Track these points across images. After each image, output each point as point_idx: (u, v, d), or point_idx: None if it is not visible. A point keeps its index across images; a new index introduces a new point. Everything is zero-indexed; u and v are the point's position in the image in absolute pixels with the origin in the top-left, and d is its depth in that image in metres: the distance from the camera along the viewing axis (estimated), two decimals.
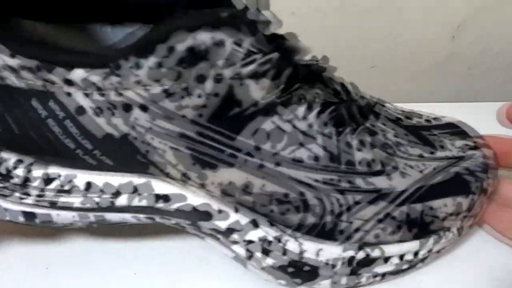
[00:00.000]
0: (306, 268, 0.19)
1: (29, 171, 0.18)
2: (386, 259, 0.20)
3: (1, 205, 0.19)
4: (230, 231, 0.19)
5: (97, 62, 0.15)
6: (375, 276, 0.20)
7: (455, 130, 0.23)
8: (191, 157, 0.18)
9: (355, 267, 0.19)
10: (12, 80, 0.16)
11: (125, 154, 0.17)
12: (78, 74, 0.15)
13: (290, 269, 0.19)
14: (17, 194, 0.19)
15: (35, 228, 0.23)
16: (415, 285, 0.21)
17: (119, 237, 0.23)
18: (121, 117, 0.17)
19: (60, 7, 0.20)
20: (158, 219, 0.19)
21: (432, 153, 0.21)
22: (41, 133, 0.17)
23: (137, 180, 0.18)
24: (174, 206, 0.19)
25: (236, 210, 0.19)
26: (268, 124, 0.17)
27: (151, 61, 0.15)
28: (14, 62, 0.16)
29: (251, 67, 0.16)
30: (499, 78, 0.33)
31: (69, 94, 0.16)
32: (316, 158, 0.18)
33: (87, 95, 0.16)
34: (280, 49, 0.17)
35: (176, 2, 0.19)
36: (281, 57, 0.17)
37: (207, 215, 0.19)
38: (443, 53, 0.39)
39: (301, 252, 0.19)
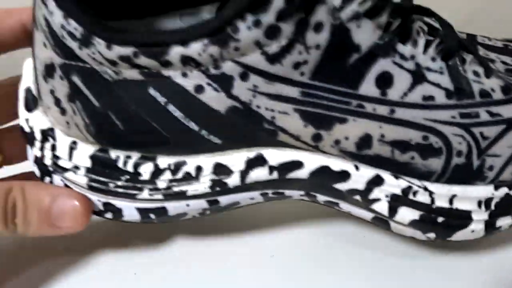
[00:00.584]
0: (456, 215, 0.18)
1: (138, 165, 0.18)
2: None
3: (115, 205, 0.19)
4: (352, 192, 0.18)
5: (213, 30, 0.14)
6: None
7: None
8: (307, 116, 0.17)
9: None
10: (128, 73, 0.16)
11: (251, 125, 0.17)
12: (195, 48, 0.15)
13: (440, 219, 0.18)
14: (130, 191, 0.18)
15: None
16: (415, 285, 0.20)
17: (119, 237, 0.22)
18: (240, 87, 0.16)
19: (121, 3, 0.19)
20: (286, 192, 0.18)
21: None
22: (163, 121, 0.16)
23: (248, 153, 0.18)
24: (291, 175, 0.18)
25: (357, 168, 0.18)
26: (390, 66, 0.16)
27: (270, 15, 0.14)
28: (128, 50, 0.15)
29: (367, 5, 0.15)
30: None
31: (185, 75, 0.15)
32: (448, 94, 0.17)
33: (204, 72, 0.15)
34: None
35: None
36: None
37: (341, 176, 0.18)
38: None
39: (451, 198, 0.18)
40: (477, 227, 0.18)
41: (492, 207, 0.18)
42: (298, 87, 0.16)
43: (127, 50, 0.15)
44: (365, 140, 0.17)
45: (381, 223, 0.19)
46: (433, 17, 0.19)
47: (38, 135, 0.18)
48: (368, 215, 0.19)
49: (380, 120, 0.17)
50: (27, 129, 0.19)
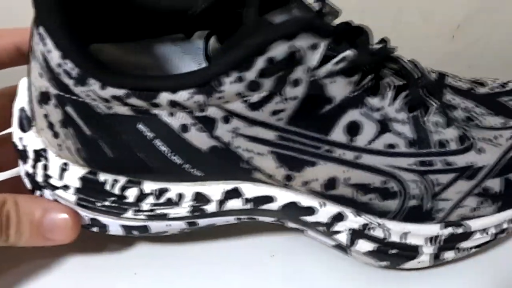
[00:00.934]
0: (407, 248, 0.20)
1: (124, 189, 0.19)
2: (471, 234, 0.20)
3: (101, 221, 0.20)
4: (317, 224, 0.20)
5: (199, 82, 0.16)
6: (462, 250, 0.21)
7: None
8: (280, 158, 0.18)
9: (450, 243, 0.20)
10: (119, 109, 0.17)
11: (230, 163, 0.18)
12: (182, 95, 0.16)
13: (393, 251, 0.20)
14: (115, 211, 0.20)
15: None
16: (416, 285, 0.21)
17: (119, 237, 0.22)
18: (222, 129, 0.17)
19: (117, 27, 0.20)
20: (259, 218, 0.20)
21: (505, 123, 0.21)
22: (150, 154, 0.18)
23: (226, 186, 0.19)
24: (263, 207, 0.20)
25: (322, 205, 0.20)
26: (359, 116, 0.18)
27: (253, 73, 0.16)
28: (121, 92, 0.16)
29: (342, 64, 0.17)
30: (498, 78, 0.33)
31: (171, 114, 0.17)
32: (409, 143, 0.19)
33: (189, 113, 0.17)
34: (354, 44, 0.18)
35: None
36: (358, 50, 0.17)
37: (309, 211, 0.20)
38: (443, 52, 0.39)
39: (405, 234, 0.20)
40: (424, 259, 0.21)
41: (439, 243, 0.20)
42: (274, 131, 0.18)
43: (120, 92, 0.17)
44: (331, 182, 0.19)
45: (340, 250, 0.21)
46: (403, 68, 0.21)
47: (31, 154, 0.20)
48: (330, 242, 0.21)
49: (346, 165, 0.19)
50: (20, 147, 0.20)
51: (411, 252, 0.20)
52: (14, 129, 0.20)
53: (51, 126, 0.19)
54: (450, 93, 0.23)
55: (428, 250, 0.20)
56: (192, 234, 0.22)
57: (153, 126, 0.18)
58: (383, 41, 0.21)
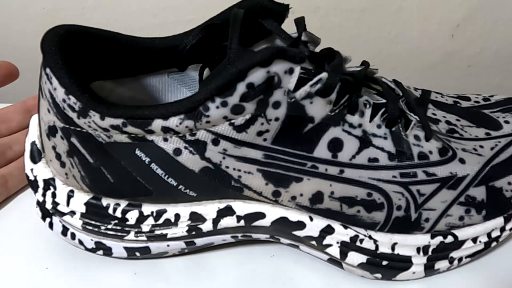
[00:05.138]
0: (398, 259, 0.21)
1: (125, 212, 0.21)
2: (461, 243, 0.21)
3: (106, 244, 0.22)
4: (308, 238, 0.21)
5: (187, 109, 0.18)
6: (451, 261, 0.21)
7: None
8: (268, 176, 0.20)
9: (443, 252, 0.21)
10: (118, 137, 0.19)
11: (221, 183, 0.20)
12: (173, 121, 0.18)
13: (385, 262, 0.21)
14: (118, 233, 0.21)
15: (34, 228, 0.23)
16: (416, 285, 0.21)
17: None
18: (212, 151, 0.19)
19: (116, 65, 0.23)
20: (254, 235, 0.21)
21: (488, 134, 0.22)
22: (147, 176, 0.19)
23: (219, 204, 0.21)
24: (255, 223, 0.21)
25: (311, 219, 0.21)
26: (340, 133, 0.19)
27: (235, 98, 0.17)
28: (118, 121, 0.18)
29: (318, 86, 0.18)
30: (498, 77, 0.33)
31: (165, 140, 0.19)
32: (390, 156, 0.20)
33: (182, 137, 0.18)
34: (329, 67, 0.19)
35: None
36: (332, 73, 0.19)
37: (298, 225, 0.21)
38: (443, 51, 0.39)
39: (393, 245, 0.21)
40: (417, 269, 0.21)
41: (430, 253, 0.21)
42: (261, 151, 0.19)
43: (117, 121, 0.18)
44: (317, 197, 0.20)
45: (335, 263, 0.22)
46: (384, 88, 0.22)
47: (41, 184, 0.21)
48: (324, 257, 0.22)
49: (331, 179, 0.20)
50: (31, 178, 0.22)
51: (403, 263, 0.21)
52: (26, 161, 0.22)
53: (58, 156, 0.21)
54: (433, 108, 0.24)
55: (419, 261, 0.21)
56: None
57: (149, 151, 0.19)
58: (365, 63, 0.23)
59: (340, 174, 0.20)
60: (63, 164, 0.21)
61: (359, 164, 0.20)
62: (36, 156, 0.22)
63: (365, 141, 0.20)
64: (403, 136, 0.21)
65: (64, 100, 0.19)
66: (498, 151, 0.22)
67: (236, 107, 0.18)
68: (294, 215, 0.21)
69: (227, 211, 0.21)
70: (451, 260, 0.21)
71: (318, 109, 0.19)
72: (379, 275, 0.21)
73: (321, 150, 0.20)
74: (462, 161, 0.21)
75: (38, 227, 0.23)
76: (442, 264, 0.21)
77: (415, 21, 0.38)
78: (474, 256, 0.22)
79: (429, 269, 0.21)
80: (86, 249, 0.22)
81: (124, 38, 0.22)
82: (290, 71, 0.18)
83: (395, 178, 0.20)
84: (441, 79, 0.40)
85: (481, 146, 0.22)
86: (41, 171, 0.22)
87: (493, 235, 0.22)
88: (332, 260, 0.22)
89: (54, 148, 0.21)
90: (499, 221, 0.21)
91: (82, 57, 0.20)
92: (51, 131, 0.20)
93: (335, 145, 0.20)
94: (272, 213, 0.21)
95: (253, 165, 0.19)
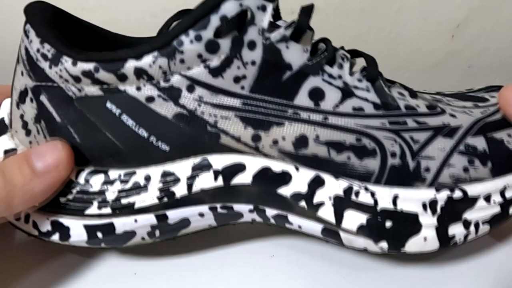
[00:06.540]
0: (403, 218, 0.18)
1: (89, 176, 0.19)
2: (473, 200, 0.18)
3: (63, 223, 0.19)
4: (297, 198, 0.18)
5: (161, 44, 0.17)
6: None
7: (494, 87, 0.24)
8: (246, 121, 0.18)
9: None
10: (89, 89, 0.18)
11: (196, 129, 0.18)
12: (146, 60, 0.17)
13: (388, 223, 0.18)
14: (79, 205, 0.19)
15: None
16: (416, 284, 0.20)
17: None
18: (187, 98, 0.18)
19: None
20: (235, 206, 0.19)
21: (475, 105, 0.22)
22: (117, 131, 0.18)
23: (194, 159, 0.19)
24: (235, 180, 0.18)
25: (297, 169, 0.18)
26: (320, 83, 0.19)
27: (209, 31, 0.17)
28: (90, 65, 0.17)
29: (290, 29, 0.18)
30: (498, 77, 0.33)
31: (138, 89, 0.18)
32: (376, 106, 0.19)
33: (155, 85, 0.18)
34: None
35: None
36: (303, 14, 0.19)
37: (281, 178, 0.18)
38: (443, 52, 0.39)
39: (394, 199, 0.18)
40: (428, 234, 0.18)
41: (439, 210, 0.18)
42: (239, 99, 0.18)
43: (89, 65, 0.18)
44: (301, 140, 0.18)
45: (331, 235, 0.19)
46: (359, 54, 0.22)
47: (1, 155, 0.20)
48: (318, 228, 0.19)
49: (315, 125, 0.18)
50: None
51: (410, 224, 0.18)
52: None
53: (25, 125, 0.20)
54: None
55: (429, 221, 0.18)
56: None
57: (121, 102, 0.18)
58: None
59: (324, 121, 0.18)
60: (28, 132, 0.19)
61: (344, 113, 0.19)
62: (1, 130, 0.20)
63: (347, 92, 0.19)
64: (387, 91, 0.20)
65: (38, 50, 0.18)
66: (489, 114, 0.21)
67: (211, 43, 0.18)
68: (277, 165, 0.18)
69: (203, 166, 0.19)
70: (466, 224, 0.18)
71: (294, 55, 0.19)
72: (384, 245, 0.18)
73: (302, 99, 0.19)
74: (453, 116, 0.20)
75: None
76: (456, 230, 0.18)
77: (415, 21, 0.38)
78: (492, 222, 0.19)
79: (443, 236, 0.18)
80: (40, 233, 0.19)
81: (111, 34, 0.23)
82: (263, 8, 0.18)
83: (384, 126, 0.19)
84: (441, 80, 0.40)
85: (471, 111, 0.21)
86: (3, 143, 0.20)
87: (507, 195, 0.19)
88: (328, 232, 0.19)
89: (22, 116, 0.20)
90: (509, 178, 0.19)
91: (62, 33, 0.20)
92: (21, 97, 0.19)
93: (317, 94, 0.19)
94: (253, 163, 0.18)
95: (231, 112, 0.18)
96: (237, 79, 0.18)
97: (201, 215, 0.19)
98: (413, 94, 0.21)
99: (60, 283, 0.20)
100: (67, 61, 0.18)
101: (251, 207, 0.19)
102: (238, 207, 0.19)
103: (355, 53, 0.22)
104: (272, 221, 0.20)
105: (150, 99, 0.18)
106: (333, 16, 0.36)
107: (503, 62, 0.40)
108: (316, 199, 0.18)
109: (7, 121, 0.21)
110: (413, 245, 0.18)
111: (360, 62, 0.21)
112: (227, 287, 0.20)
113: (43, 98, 0.19)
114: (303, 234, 0.21)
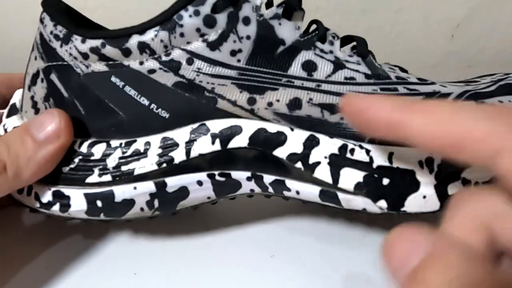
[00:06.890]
0: (400, 175, 0.18)
1: (91, 146, 0.19)
2: None
3: (64, 192, 0.19)
4: (292, 159, 0.18)
5: (163, 19, 0.19)
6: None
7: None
8: (242, 87, 0.19)
9: None
10: (96, 66, 0.19)
11: (194, 95, 0.19)
12: (149, 35, 0.19)
13: (386, 180, 0.18)
14: (80, 174, 0.19)
15: (35, 227, 0.23)
16: None
17: (119, 236, 0.22)
18: (186, 69, 0.19)
19: None
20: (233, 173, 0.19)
21: (467, 84, 0.22)
22: (120, 101, 0.19)
23: (193, 125, 0.19)
24: (232, 143, 0.19)
25: (292, 130, 0.19)
26: (313, 56, 0.20)
27: (207, 7, 0.18)
28: (97, 42, 0.19)
29: (282, 8, 0.19)
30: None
31: (141, 63, 0.19)
32: (367, 76, 0.20)
33: (156, 59, 0.19)
34: None
35: None
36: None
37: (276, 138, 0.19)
38: (443, 51, 0.39)
39: (390, 157, 0.18)
40: (427, 192, 0.18)
41: (435, 167, 0.18)
42: (235, 70, 0.19)
43: (97, 42, 0.19)
44: (295, 102, 0.19)
45: (330, 198, 0.19)
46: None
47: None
48: (315, 190, 0.19)
49: (308, 90, 0.19)
50: (1, 132, 0.21)
51: (408, 182, 0.18)
52: (2, 121, 0.22)
53: (34, 104, 0.21)
54: None
55: (427, 179, 0.18)
56: (192, 234, 0.22)
57: (124, 76, 0.19)
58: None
59: (317, 87, 0.19)
60: (37, 111, 0.21)
61: (336, 81, 0.20)
62: (12, 112, 0.22)
63: (339, 64, 0.20)
64: (377, 65, 0.21)
65: (51, 32, 0.20)
66: (480, 88, 0.22)
67: (208, 18, 0.19)
68: (272, 126, 0.19)
69: (201, 130, 0.19)
70: (466, 183, 0.18)
71: (287, 31, 0.20)
72: (383, 204, 0.18)
73: (296, 70, 0.20)
74: (443, 86, 0.21)
75: (37, 226, 0.23)
76: (456, 189, 0.18)
77: (415, 21, 0.38)
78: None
79: (443, 194, 0.18)
80: (42, 205, 0.19)
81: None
82: None
83: (376, 92, 0.19)
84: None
85: (461, 86, 0.22)
86: (12, 123, 0.21)
87: None
88: (326, 195, 0.19)
89: (32, 98, 0.21)
90: None
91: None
92: (33, 80, 0.21)
93: (309, 66, 0.20)
94: (249, 126, 0.19)
95: (227, 80, 0.19)
96: (233, 53, 0.19)
97: (200, 183, 0.19)
98: (404, 70, 0.21)
99: (60, 283, 0.20)
100: (77, 39, 0.20)
101: (248, 174, 0.19)
102: (236, 174, 0.19)
103: (347, 39, 0.23)
104: (270, 189, 0.20)
105: (152, 71, 0.19)
106: (333, 15, 0.36)
107: (502, 62, 0.40)
108: (312, 159, 0.18)
109: (18, 105, 0.22)
110: (412, 203, 0.18)
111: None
112: (227, 287, 0.20)
113: (53, 77, 0.20)
114: (302, 235, 0.21)
